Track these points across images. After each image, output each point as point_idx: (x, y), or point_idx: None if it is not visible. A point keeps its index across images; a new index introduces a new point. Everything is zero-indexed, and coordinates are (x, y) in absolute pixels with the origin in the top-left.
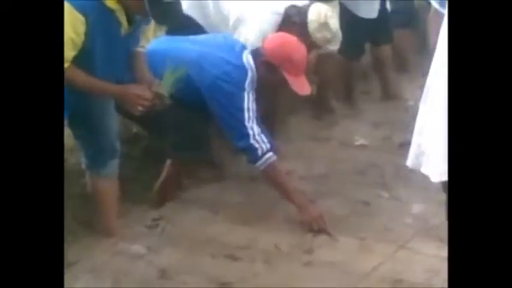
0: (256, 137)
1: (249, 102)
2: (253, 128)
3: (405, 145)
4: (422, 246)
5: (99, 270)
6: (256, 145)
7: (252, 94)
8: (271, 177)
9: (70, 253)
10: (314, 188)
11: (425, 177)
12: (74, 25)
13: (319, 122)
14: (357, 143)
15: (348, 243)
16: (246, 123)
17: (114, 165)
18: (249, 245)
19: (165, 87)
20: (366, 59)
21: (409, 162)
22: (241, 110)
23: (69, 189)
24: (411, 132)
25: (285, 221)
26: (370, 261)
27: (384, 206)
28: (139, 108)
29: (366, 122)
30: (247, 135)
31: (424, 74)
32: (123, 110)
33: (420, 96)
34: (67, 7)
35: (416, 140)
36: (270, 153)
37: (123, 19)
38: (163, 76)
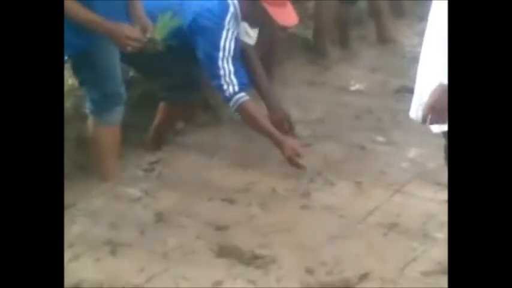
0: (227, 78)
1: (226, 40)
2: (225, 67)
3: (401, 90)
4: (419, 190)
5: (95, 213)
6: (225, 86)
7: (232, 32)
8: (245, 118)
9: (67, 196)
10: (310, 132)
11: None
12: None
13: (315, 66)
14: (353, 88)
15: (344, 187)
16: (220, 62)
17: (119, 112)
18: (245, 188)
19: (158, 33)
20: (363, 3)
21: (412, 113)
22: (217, 48)
23: (66, 133)
24: (408, 77)
25: (282, 165)
26: (366, 205)
27: (380, 150)
28: (128, 48)
29: (362, 67)
30: (219, 75)
31: (421, 19)
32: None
33: (417, 42)
34: None
35: (417, 90)
36: (241, 94)
37: None
38: (159, 22)
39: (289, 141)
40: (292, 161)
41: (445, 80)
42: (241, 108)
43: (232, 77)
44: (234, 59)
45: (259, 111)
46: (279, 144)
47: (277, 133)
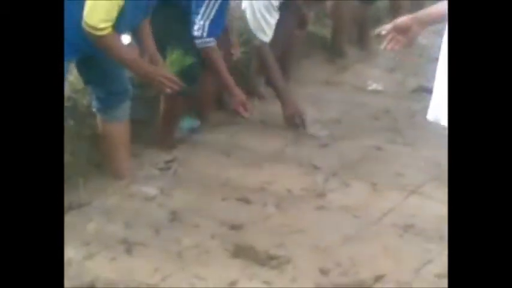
0: (201, 23)
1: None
2: (204, 18)
3: (418, 90)
4: (435, 191)
5: (111, 211)
6: (197, 32)
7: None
8: (207, 61)
9: (82, 195)
10: (326, 132)
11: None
12: None
13: (332, 66)
14: (370, 88)
15: (360, 188)
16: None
17: (125, 109)
18: (261, 188)
19: (169, 68)
20: (382, 2)
21: (430, 115)
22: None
23: (81, 131)
24: (425, 77)
25: (297, 165)
26: (382, 206)
27: (396, 151)
28: (167, 90)
29: (379, 67)
30: (195, 22)
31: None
32: None
33: (436, 41)
34: None
35: (436, 90)
36: (207, 39)
37: None
38: (169, 57)
39: (241, 95)
40: (237, 112)
41: None
42: (204, 52)
43: (206, 24)
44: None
45: (221, 60)
46: (231, 94)
47: (233, 84)
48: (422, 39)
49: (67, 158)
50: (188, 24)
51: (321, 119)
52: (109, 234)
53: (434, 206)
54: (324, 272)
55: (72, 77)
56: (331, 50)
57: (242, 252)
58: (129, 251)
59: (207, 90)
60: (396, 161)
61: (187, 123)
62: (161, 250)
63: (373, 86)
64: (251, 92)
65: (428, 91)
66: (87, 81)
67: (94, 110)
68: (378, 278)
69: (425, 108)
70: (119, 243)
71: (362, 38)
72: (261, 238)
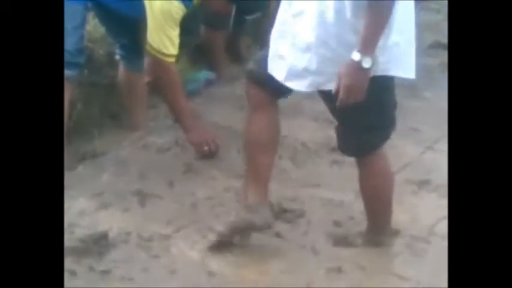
0: None
1: None
2: None
3: (435, 46)
4: None
5: (125, 162)
6: None
7: None
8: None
9: (97, 145)
10: None
11: None
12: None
13: None
14: None
15: None
16: None
17: None
18: None
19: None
20: None
21: None
22: None
23: (97, 81)
24: (442, 33)
25: (313, 119)
26: (397, 162)
27: (413, 106)
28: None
29: None
30: None
31: None
32: None
33: None
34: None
35: None
36: None
37: None
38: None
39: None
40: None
41: (356, 56)
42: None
43: None
44: None
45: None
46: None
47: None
48: None
49: (82, 108)
50: None
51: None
52: (123, 185)
53: None
54: (337, 225)
55: (90, 27)
56: None
57: None
58: (142, 202)
59: (218, 44)
60: (412, 117)
61: (203, 75)
62: (175, 202)
63: None
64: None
65: (445, 47)
66: (107, 28)
67: (117, 57)
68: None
69: (442, 64)
70: (132, 195)
71: None
72: (275, 191)
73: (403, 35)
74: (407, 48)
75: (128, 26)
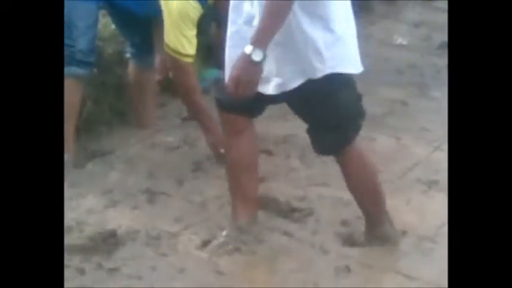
0: None
1: None
2: None
3: (444, 46)
4: None
5: (134, 160)
6: None
7: None
8: None
9: (105, 143)
10: None
11: None
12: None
13: (358, 20)
14: (396, 42)
15: (385, 142)
16: None
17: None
18: (284, 140)
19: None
20: None
21: None
22: None
23: (106, 80)
24: None
25: None
26: (407, 161)
27: (422, 106)
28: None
29: (405, 22)
30: None
31: None
32: None
33: None
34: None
35: None
36: None
37: None
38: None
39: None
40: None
41: (248, 49)
42: None
43: None
44: None
45: None
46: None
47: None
48: None
49: (91, 106)
50: None
51: None
52: (131, 183)
53: None
54: (345, 224)
55: (99, 25)
56: (358, 4)
57: (264, 204)
58: (151, 200)
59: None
60: (422, 116)
61: (211, 73)
62: (183, 200)
63: (399, 40)
64: None
65: None
66: (119, 26)
67: (128, 55)
68: (401, 233)
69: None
70: (141, 193)
71: None
72: (284, 190)
73: (345, 30)
74: (351, 43)
75: (140, 24)
